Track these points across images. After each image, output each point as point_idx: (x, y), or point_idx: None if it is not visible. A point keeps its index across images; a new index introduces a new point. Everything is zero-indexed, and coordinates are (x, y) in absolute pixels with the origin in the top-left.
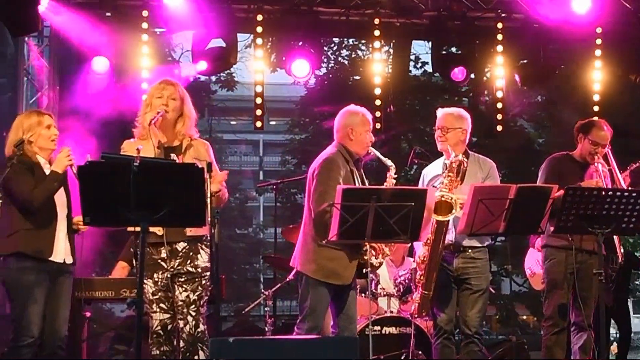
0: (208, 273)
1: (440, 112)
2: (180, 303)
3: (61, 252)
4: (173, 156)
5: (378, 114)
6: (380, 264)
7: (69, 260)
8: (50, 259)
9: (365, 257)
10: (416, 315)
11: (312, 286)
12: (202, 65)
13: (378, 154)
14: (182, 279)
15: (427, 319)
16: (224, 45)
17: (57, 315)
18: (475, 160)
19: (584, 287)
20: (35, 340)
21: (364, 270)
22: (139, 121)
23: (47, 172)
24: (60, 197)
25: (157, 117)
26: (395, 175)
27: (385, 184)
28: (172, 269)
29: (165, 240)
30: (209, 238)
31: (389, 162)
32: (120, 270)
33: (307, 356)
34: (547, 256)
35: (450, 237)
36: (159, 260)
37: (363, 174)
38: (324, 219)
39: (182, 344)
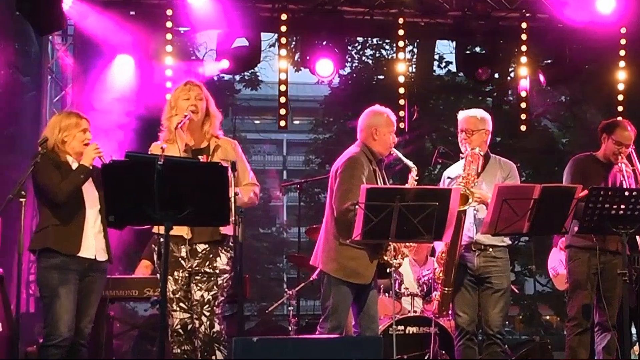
0: (226, 275)
1: (462, 114)
2: (195, 302)
3: (90, 248)
4: (201, 158)
5: (402, 113)
6: (400, 264)
7: (101, 257)
8: (79, 254)
9: (386, 257)
10: (437, 314)
11: (334, 285)
12: (225, 63)
13: (400, 155)
14: (198, 278)
15: (449, 318)
16: (247, 44)
17: (83, 314)
18: (496, 162)
19: (607, 287)
20: (65, 340)
21: (387, 270)
22: (164, 124)
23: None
24: (90, 193)
25: (184, 121)
26: (417, 177)
27: (406, 185)
28: (190, 269)
29: (189, 240)
30: (231, 241)
31: (410, 164)
32: (144, 268)
33: (331, 356)
34: (571, 256)
35: (470, 234)
36: (179, 259)
37: (385, 175)
38: (347, 217)
39: (199, 343)
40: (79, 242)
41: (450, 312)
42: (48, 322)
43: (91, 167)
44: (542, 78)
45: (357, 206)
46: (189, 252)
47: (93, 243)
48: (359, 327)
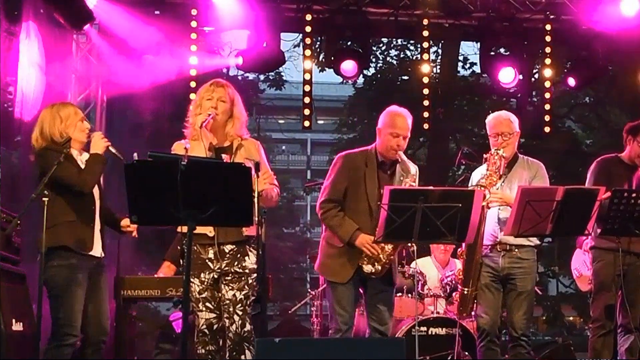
0: (255, 274)
1: (495, 118)
2: (226, 302)
3: (97, 246)
4: (224, 156)
5: (426, 114)
6: (376, 271)
7: (102, 255)
8: (91, 253)
9: (360, 262)
10: (457, 315)
11: (329, 285)
12: (239, 60)
13: (405, 158)
14: (229, 278)
15: (472, 319)
16: (273, 46)
17: (101, 311)
18: (524, 162)
19: (631, 289)
20: (77, 339)
21: (362, 274)
22: (189, 122)
23: (80, 163)
24: (95, 190)
25: (208, 120)
26: (414, 183)
27: (404, 182)
28: (219, 270)
29: (217, 241)
30: (256, 239)
31: (411, 167)
32: (166, 269)
33: (353, 356)
34: (595, 258)
35: (495, 234)
36: (207, 260)
37: (396, 180)
38: (320, 216)
39: (228, 343)
40: (91, 240)
41: (473, 313)
42: (63, 321)
43: (104, 156)
44: (572, 81)
45: (328, 207)
46: (216, 253)
47: (99, 241)
48: (368, 327)
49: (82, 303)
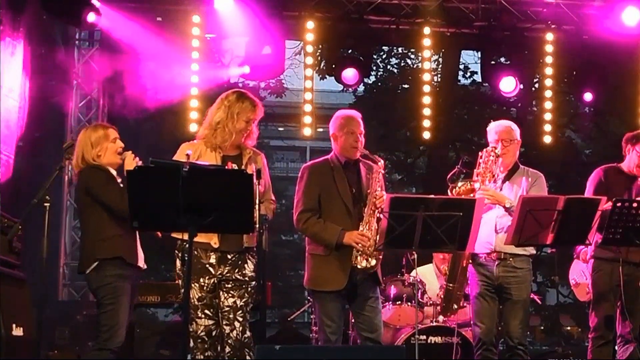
0: (254, 282)
1: (497, 125)
2: (226, 309)
3: (141, 257)
4: (233, 166)
5: (427, 123)
6: (372, 266)
7: (145, 266)
8: (138, 264)
9: (352, 261)
10: (441, 313)
11: (316, 297)
12: (246, 69)
13: (367, 152)
14: (229, 285)
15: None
16: (273, 52)
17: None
18: (524, 171)
19: (630, 299)
20: (119, 345)
21: (357, 275)
22: (210, 124)
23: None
24: None
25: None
26: (383, 171)
27: (373, 176)
28: (220, 275)
29: (219, 249)
30: (255, 248)
31: (377, 159)
32: None
33: None
34: (595, 268)
35: (491, 242)
36: (207, 265)
37: (363, 178)
38: (299, 228)
39: (227, 349)
40: (137, 252)
41: (466, 314)
42: (109, 327)
43: None
44: (589, 96)
45: (309, 216)
46: (219, 258)
47: (142, 252)
48: (358, 336)
49: (127, 311)
